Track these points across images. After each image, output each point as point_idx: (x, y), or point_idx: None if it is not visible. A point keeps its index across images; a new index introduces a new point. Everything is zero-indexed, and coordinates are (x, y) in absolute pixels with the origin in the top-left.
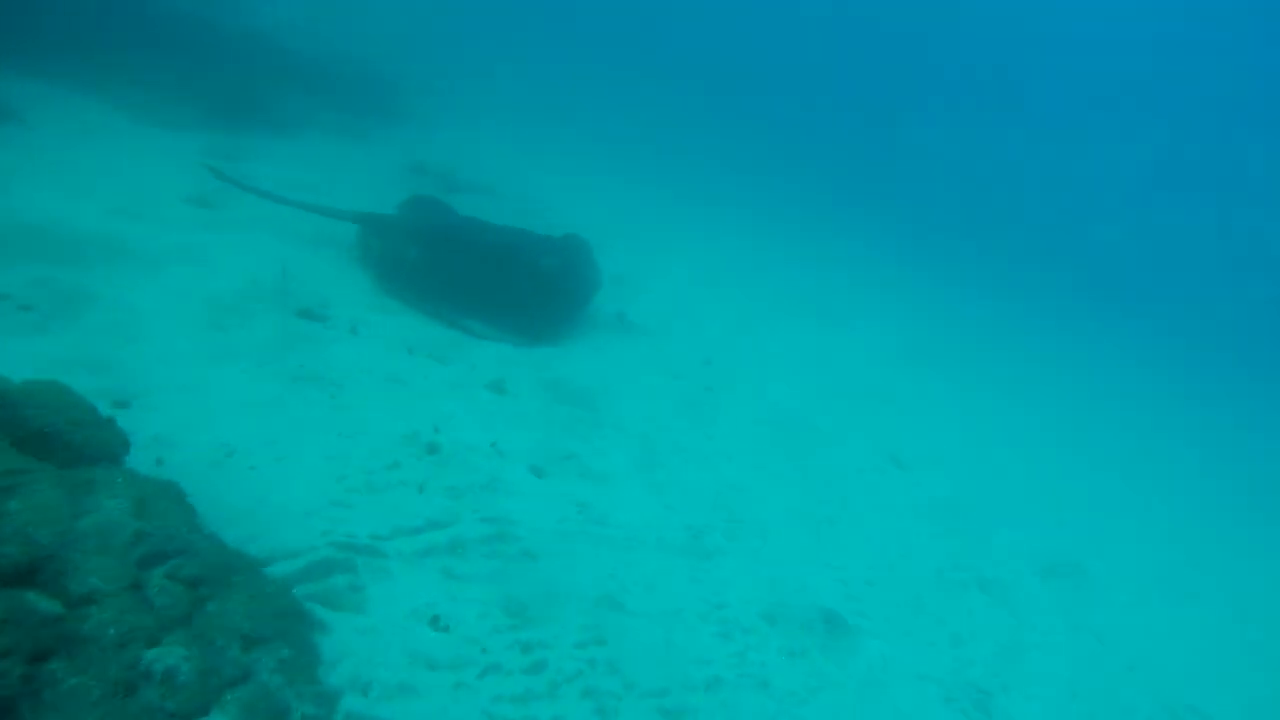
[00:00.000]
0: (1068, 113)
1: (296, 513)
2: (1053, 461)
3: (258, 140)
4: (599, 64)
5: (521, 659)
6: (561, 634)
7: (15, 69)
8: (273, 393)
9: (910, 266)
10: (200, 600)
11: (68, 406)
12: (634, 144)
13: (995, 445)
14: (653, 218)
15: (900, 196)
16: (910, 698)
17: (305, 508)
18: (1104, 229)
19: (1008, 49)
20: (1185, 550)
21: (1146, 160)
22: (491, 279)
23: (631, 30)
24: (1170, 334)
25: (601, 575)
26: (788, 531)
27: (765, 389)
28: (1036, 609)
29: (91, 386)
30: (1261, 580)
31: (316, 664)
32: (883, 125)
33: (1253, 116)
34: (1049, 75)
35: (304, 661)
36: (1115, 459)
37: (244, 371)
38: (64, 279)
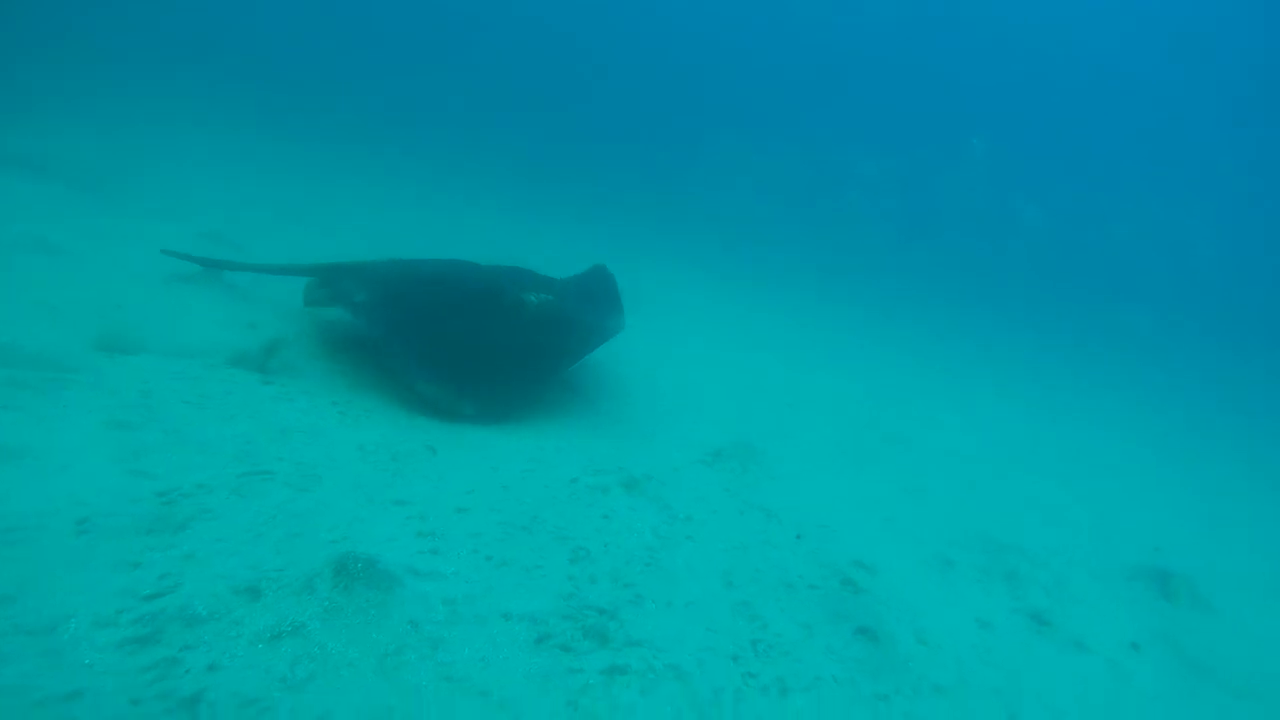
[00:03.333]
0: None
1: None
2: (721, 375)
3: None
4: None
5: None
6: None
7: None
8: None
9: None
10: None
11: None
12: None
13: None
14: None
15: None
16: (477, 651)
17: None
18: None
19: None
20: (852, 431)
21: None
22: (460, 326)
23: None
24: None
25: None
26: (352, 472)
27: None
28: (697, 497)
29: None
30: (917, 452)
31: None
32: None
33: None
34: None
35: None
36: (790, 370)
37: None
38: None
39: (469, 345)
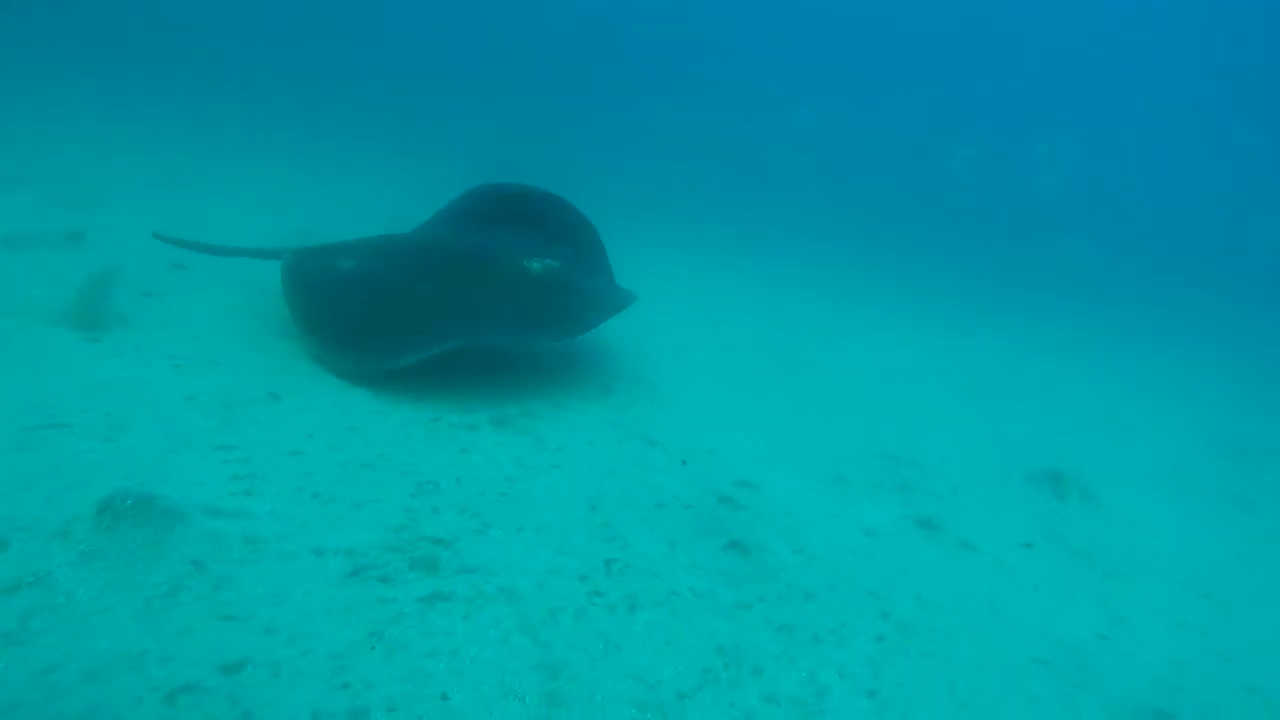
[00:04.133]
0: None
1: None
2: (632, 326)
3: None
4: None
5: None
6: None
7: None
8: None
9: None
10: None
11: None
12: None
13: None
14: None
15: None
16: (271, 588)
17: None
18: None
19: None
20: (758, 364)
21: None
22: (449, 298)
23: None
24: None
25: None
26: (173, 421)
27: None
28: (575, 429)
29: None
30: (822, 380)
31: None
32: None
33: None
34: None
35: None
36: (710, 317)
37: None
38: None
39: (460, 319)
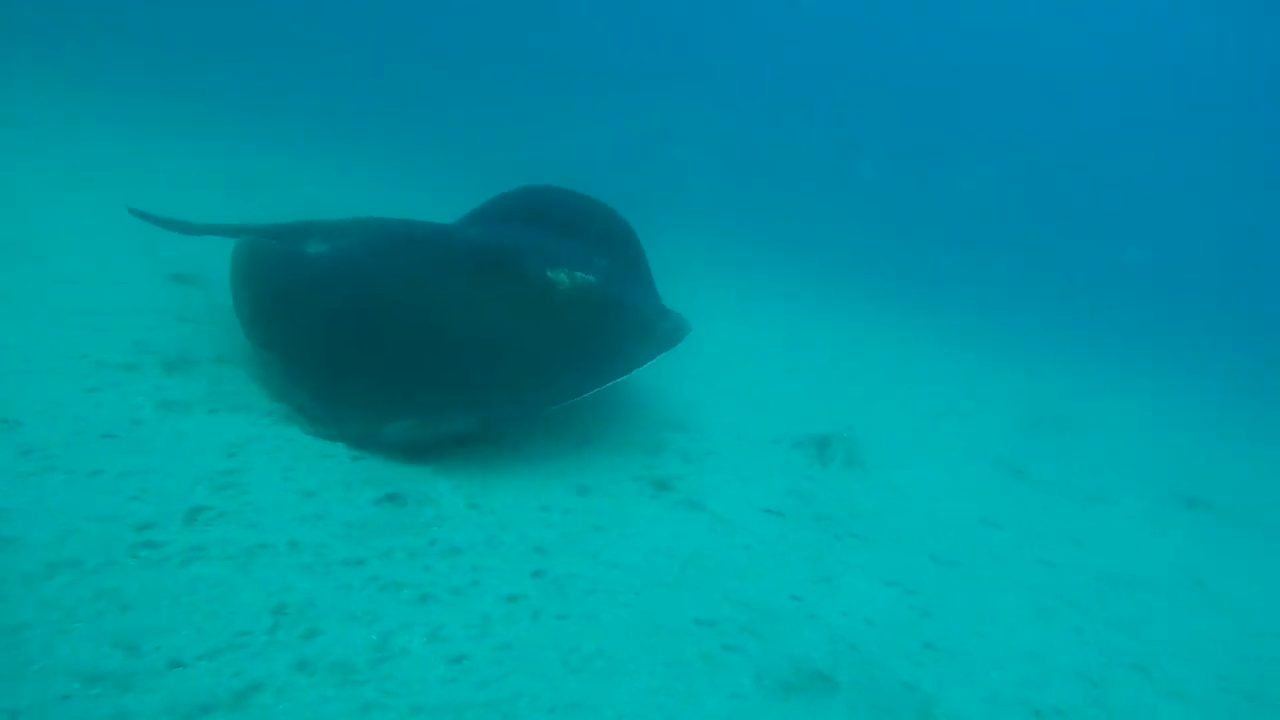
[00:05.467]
0: None
1: None
2: None
3: None
4: None
5: None
6: None
7: None
8: None
9: None
10: None
11: None
12: None
13: None
14: None
15: None
16: None
17: None
18: None
19: None
20: None
21: None
22: (446, 317)
23: None
24: None
25: None
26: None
27: None
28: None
29: None
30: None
31: None
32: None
33: None
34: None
35: None
36: None
37: None
38: None
39: (461, 345)
